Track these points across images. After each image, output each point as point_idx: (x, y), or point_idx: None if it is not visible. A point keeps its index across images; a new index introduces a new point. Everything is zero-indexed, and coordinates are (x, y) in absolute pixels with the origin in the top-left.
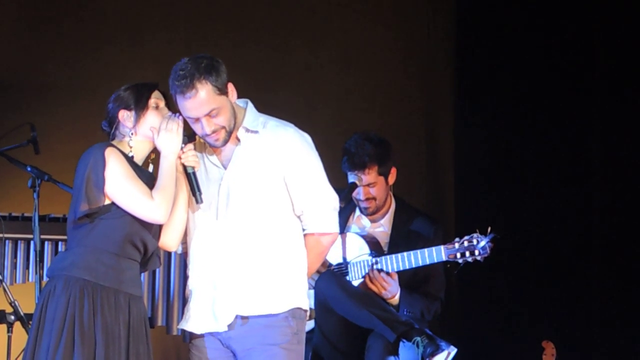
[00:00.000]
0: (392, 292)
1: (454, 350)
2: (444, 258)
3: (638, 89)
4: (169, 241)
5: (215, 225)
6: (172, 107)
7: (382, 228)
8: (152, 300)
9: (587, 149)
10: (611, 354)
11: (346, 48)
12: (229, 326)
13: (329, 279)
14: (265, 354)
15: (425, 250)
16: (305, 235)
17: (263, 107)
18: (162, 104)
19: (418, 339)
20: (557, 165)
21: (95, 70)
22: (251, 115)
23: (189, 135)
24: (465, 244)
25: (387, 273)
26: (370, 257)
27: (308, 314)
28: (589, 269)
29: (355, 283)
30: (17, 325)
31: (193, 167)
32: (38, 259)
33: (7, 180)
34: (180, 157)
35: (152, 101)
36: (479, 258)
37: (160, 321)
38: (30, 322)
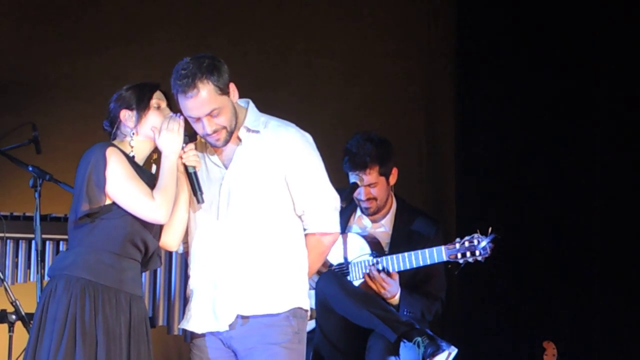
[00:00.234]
0: (392, 292)
1: (454, 351)
2: (444, 258)
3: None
4: (170, 241)
5: (216, 225)
6: (174, 108)
7: (383, 228)
8: (153, 300)
9: (588, 148)
10: (612, 354)
11: (347, 48)
12: (230, 326)
13: (330, 279)
14: (266, 354)
15: (426, 250)
16: (306, 235)
17: (264, 107)
18: (163, 104)
19: (419, 339)
20: (558, 164)
21: (96, 70)
22: (252, 115)
23: (190, 135)
24: (466, 244)
25: (388, 273)
26: (371, 257)
27: (309, 313)
28: (589, 269)
29: (356, 283)
30: (19, 324)
31: (194, 167)
32: (39, 259)
33: (9, 180)
34: (181, 157)
35: (153, 101)
36: (479, 258)
37: (161, 321)
38: (32, 322)
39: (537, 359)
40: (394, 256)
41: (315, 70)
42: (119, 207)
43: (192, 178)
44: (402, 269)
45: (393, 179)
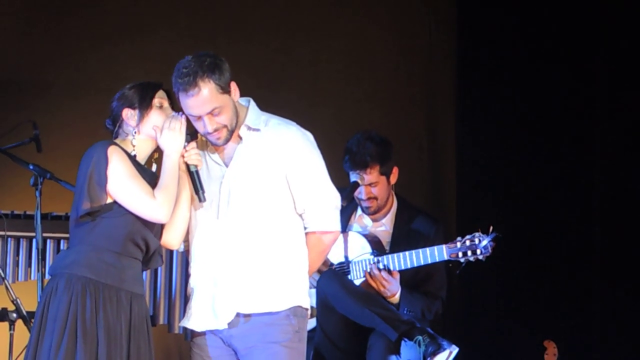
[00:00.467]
0: (392, 290)
1: (455, 350)
2: (445, 257)
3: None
4: (172, 239)
5: (217, 223)
6: (176, 107)
7: (383, 227)
8: (154, 299)
9: (588, 147)
10: (612, 354)
11: (348, 47)
12: (231, 324)
13: (331, 278)
14: (266, 352)
15: (427, 249)
16: (306, 233)
17: (265, 106)
18: (166, 103)
19: (420, 338)
20: (559, 164)
21: (97, 68)
22: (253, 114)
23: (192, 134)
24: (467, 243)
25: (389, 271)
26: (372, 257)
27: (309, 312)
28: (590, 268)
29: (357, 282)
30: (19, 323)
31: (196, 166)
32: (40, 257)
33: (10, 178)
34: (183, 156)
35: (156, 100)
36: (480, 257)
37: (162, 319)
38: (32, 320)
39: (538, 358)
40: (395, 255)
41: (316, 69)
42: (120, 205)
43: (194, 177)
44: (402, 267)
45: (394, 178)
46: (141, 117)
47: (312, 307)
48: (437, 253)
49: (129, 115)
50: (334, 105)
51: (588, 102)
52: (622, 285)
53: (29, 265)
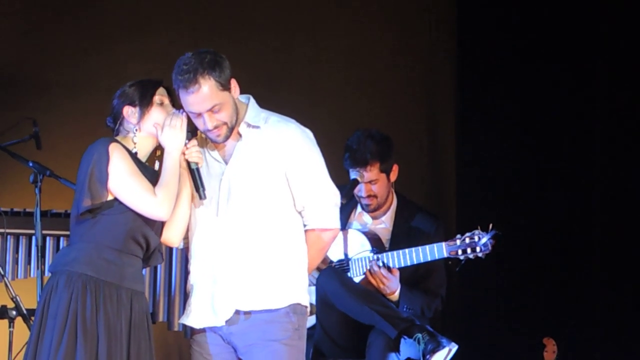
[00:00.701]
0: (392, 288)
1: (455, 347)
2: (445, 254)
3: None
4: (172, 237)
5: (216, 220)
6: (177, 104)
7: (383, 224)
8: (154, 296)
9: (588, 145)
10: (612, 351)
11: (348, 45)
12: (230, 322)
13: (330, 275)
14: (266, 350)
15: (427, 246)
16: (306, 231)
17: (265, 104)
18: (166, 100)
19: (419, 335)
20: (559, 163)
21: (97, 66)
22: (253, 111)
23: (192, 131)
24: (467, 240)
25: (388, 269)
26: (371, 254)
27: (308, 309)
28: (590, 265)
29: (357, 279)
30: (19, 320)
31: (197, 163)
32: (40, 255)
33: (9, 176)
34: (183, 153)
35: (156, 98)
36: (480, 255)
37: (161, 317)
38: (32, 318)
39: (537, 355)
40: (395, 252)
41: (316, 67)
42: (120, 203)
43: (194, 174)
44: (402, 265)
45: (394, 176)
46: (142, 115)
47: (311, 305)
48: (437, 250)
49: (130, 112)
50: (333, 103)
51: (588, 101)
52: (621, 284)
53: (29, 262)
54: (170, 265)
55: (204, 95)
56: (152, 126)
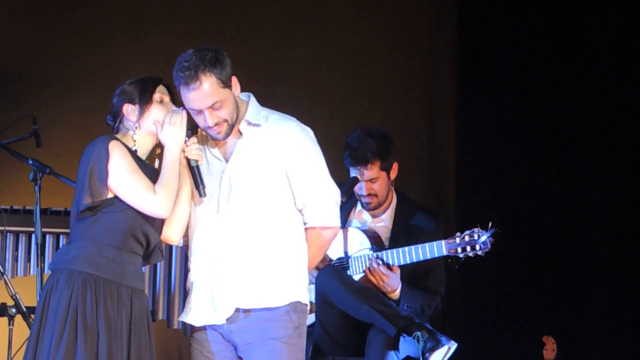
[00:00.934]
0: (393, 286)
1: (454, 345)
2: (445, 253)
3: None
4: (172, 235)
5: (216, 218)
6: (177, 102)
7: (383, 223)
8: (153, 294)
9: (588, 143)
10: (611, 349)
11: (348, 44)
12: (230, 320)
13: (330, 273)
14: (266, 349)
15: (427, 244)
16: (306, 229)
17: (264, 102)
18: (166, 98)
19: (419, 333)
20: (558, 159)
21: (97, 64)
22: (253, 109)
23: (192, 129)
24: (467, 238)
25: (388, 266)
26: (371, 252)
27: (308, 307)
28: (589, 264)
29: (356, 277)
30: (18, 318)
31: (197, 161)
32: (39, 252)
33: (9, 173)
34: (183, 151)
35: (156, 95)
36: (479, 253)
37: (161, 315)
38: (32, 316)
39: (537, 353)
40: (394, 251)
41: (316, 65)
42: (121, 200)
43: (194, 172)
44: (402, 263)
45: (394, 174)
46: (142, 112)
47: (311, 303)
48: (437, 248)
49: (130, 110)
50: (333, 101)
51: (588, 100)
52: (621, 282)
53: (28, 260)
54: (170, 263)
55: (205, 92)
56: (152, 124)
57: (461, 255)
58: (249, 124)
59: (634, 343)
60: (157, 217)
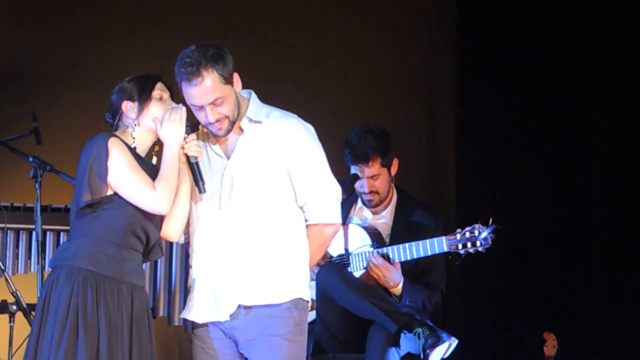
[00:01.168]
0: (395, 280)
1: (455, 342)
2: (445, 249)
3: (637, 79)
4: (171, 231)
5: (218, 215)
6: (176, 99)
7: (383, 219)
8: (154, 291)
9: (588, 142)
10: (612, 345)
11: (348, 41)
12: (232, 316)
13: (330, 270)
14: (267, 345)
15: (427, 241)
16: (307, 226)
17: (265, 99)
18: (165, 95)
19: (419, 330)
20: (559, 156)
21: (97, 61)
22: (255, 106)
23: (192, 126)
24: (467, 234)
25: (388, 259)
26: (371, 249)
27: (310, 304)
28: (590, 259)
29: (357, 274)
30: (19, 315)
31: (196, 157)
32: (40, 250)
33: (9, 171)
34: (183, 148)
35: (155, 92)
36: (480, 249)
37: (162, 312)
38: (32, 313)
39: (538, 350)
40: (395, 247)
41: (317, 63)
42: (120, 197)
43: (194, 168)
44: (402, 259)
45: (394, 170)
46: (141, 109)
47: (312, 300)
48: (437, 245)
49: (129, 107)
50: (334, 99)
51: (588, 97)
52: (621, 278)
53: (29, 257)
54: (170, 260)
55: (207, 88)
56: (151, 121)
57: (462, 252)
58: (250, 120)
59: (634, 339)
60: (156, 213)
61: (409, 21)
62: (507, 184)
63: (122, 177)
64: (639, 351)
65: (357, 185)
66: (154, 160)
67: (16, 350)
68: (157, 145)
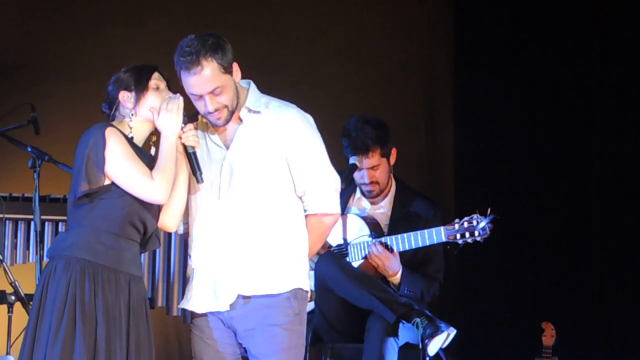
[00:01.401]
0: (394, 269)
1: (453, 332)
2: (443, 239)
3: (635, 74)
4: (169, 221)
5: (217, 205)
6: (173, 89)
7: (382, 209)
8: (152, 281)
9: (586, 131)
10: (610, 334)
11: (346, 31)
12: (231, 306)
13: (329, 260)
14: (266, 335)
15: (425, 231)
16: (307, 216)
17: (264, 89)
18: (162, 85)
19: (418, 320)
20: (557, 146)
21: (95, 51)
22: (254, 96)
23: (190, 116)
24: (465, 224)
25: (386, 246)
26: (370, 239)
27: (309, 295)
28: (588, 249)
29: (355, 264)
30: (18, 305)
31: (193, 147)
32: (38, 240)
33: (8, 161)
34: (180, 137)
35: (152, 82)
36: (478, 239)
37: (160, 302)
38: (31, 303)
39: (536, 339)
40: (393, 237)
41: (315, 52)
42: (118, 187)
43: (191, 158)
44: (401, 249)
45: (393, 159)
46: (138, 99)
47: (311, 291)
48: (435, 235)
49: (126, 97)
50: (333, 89)
51: (588, 87)
52: (620, 268)
53: (27, 247)
54: (169, 251)
55: (206, 77)
56: (148, 110)
57: (460, 242)
58: (249, 110)
59: (633, 329)
60: (154, 203)
61: (407, 11)
62: (505, 174)
63: (119, 166)
64: (638, 341)
65: (357, 176)
66: (152, 150)
67: (15, 340)
68: (154, 135)
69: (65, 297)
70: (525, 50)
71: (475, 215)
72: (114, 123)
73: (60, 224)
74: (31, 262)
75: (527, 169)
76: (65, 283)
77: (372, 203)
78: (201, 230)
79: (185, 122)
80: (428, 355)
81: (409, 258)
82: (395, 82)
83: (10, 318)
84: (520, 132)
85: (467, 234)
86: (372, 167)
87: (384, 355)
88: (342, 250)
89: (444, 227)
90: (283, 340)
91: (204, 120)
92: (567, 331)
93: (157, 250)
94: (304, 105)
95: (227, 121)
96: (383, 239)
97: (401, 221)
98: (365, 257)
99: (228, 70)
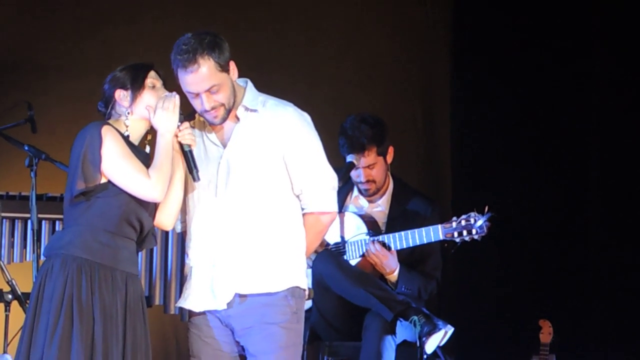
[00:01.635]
0: (391, 266)
1: (451, 330)
2: (441, 237)
3: (634, 73)
4: (165, 220)
5: (215, 203)
6: (169, 88)
7: (380, 208)
8: (150, 280)
9: (584, 130)
10: (608, 332)
11: (344, 30)
12: (229, 304)
13: (327, 258)
14: (263, 333)
15: (423, 229)
16: (304, 214)
17: (261, 88)
18: (158, 83)
19: (415, 318)
20: (555, 144)
21: (93, 50)
22: (251, 94)
23: (186, 115)
24: (463, 222)
25: (383, 244)
26: (367, 237)
27: (307, 293)
28: (585, 247)
29: (353, 262)
30: (15, 304)
31: (189, 145)
32: (35, 238)
33: (4, 159)
34: (176, 136)
35: (148, 81)
36: (476, 237)
37: (157, 300)
38: (28, 301)
39: (534, 337)
40: (391, 235)
41: (312, 51)
42: (114, 185)
43: (187, 156)
44: (398, 247)
45: (390, 158)
46: (134, 98)
47: (309, 288)
48: (433, 233)
49: (122, 96)
50: (331, 87)
51: (586, 83)
52: (617, 266)
53: (24, 246)
54: (166, 249)
55: (203, 75)
56: (144, 109)
57: (457, 240)
58: (247, 109)
59: (630, 326)
60: (151, 201)
61: (407, 11)
62: (503, 173)
63: (115, 164)
64: (636, 338)
65: (354, 174)
66: (147, 149)
67: (12, 339)
68: (150, 134)
69: (62, 296)
70: (525, 50)
71: (472, 214)
72: (110, 121)
73: (57, 222)
74: (28, 261)
75: (526, 168)
76: (62, 281)
77: (369, 201)
78: (198, 228)
79: (181, 121)
80: (425, 353)
81: (406, 256)
82: (394, 82)
83: (7, 317)
84: (519, 132)
85: (465, 232)
86: (368, 166)
87: (381, 353)
88: (339, 249)
89: (442, 225)
90: (281, 339)
91: (201, 118)
92: (564, 328)
93: (155, 249)
94: (303, 104)
95: (224, 119)
96: (381, 237)
97: (399, 219)
98: (362, 255)
99: (225, 69)
